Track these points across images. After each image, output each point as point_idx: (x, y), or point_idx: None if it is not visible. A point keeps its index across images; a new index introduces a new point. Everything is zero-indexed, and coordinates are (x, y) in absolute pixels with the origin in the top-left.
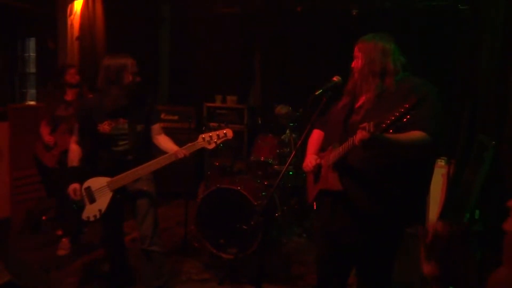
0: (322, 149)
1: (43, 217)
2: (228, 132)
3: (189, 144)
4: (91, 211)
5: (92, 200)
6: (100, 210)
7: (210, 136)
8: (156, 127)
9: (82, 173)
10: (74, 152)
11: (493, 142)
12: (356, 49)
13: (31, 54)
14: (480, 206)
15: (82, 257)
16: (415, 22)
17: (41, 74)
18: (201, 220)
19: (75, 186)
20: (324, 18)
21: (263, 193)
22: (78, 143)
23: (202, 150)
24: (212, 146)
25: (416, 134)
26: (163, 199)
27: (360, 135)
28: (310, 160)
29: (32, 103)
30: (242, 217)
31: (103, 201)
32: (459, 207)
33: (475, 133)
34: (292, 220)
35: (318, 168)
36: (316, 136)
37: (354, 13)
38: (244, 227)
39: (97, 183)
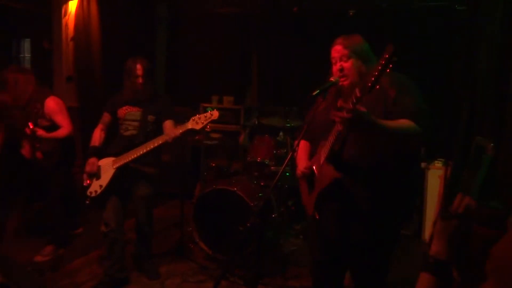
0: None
1: (38, 219)
2: (214, 113)
3: (180, 125)
4: (94, 187)
5: (98, 177)
6: (101, 186)
7: (199, 118)
8: (168, 123)
9: (101, 153)
10: (97, 136)
11: (492, 144)
12: (338, 48)
13: (26, 55)
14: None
15: (77, 259)
16: (412, 22)
17: (36, 75)
18: (197, 221)
19: (92, 160)
20: (320, 19)
21: (260, 194)
22: (103, 130)
23: (198, 149)
24: (199, 126)
25: (403, 122)
26: (159, 200)
27: (340, 113)
28: (301, 163)
29: None
30: (239, 218)
31: (105, 177)
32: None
33: (473, 134)
34: (288, 221)
35: (311, 171)
36: (303, 147)
37: (351, 14)
38: (240, 228)
39: (105, 162)
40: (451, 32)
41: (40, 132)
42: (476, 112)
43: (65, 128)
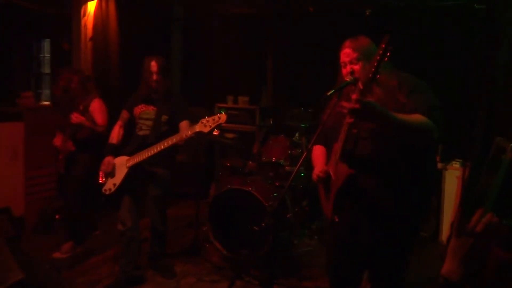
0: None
1: (56, 216)
2: (221, 117)
3: (190, 127)
4: (108, 185)
5: (113, 176)
6: (114, 184)
7: (207, 120)
8: (183, 124)
9: (117, 151)
10: (115, 132)
11: (511, 145)
12: (348, 51)
13: (46, 55)
14: (497, 211)
15: (93, 257)
16: (430, 22)
17: (56, 74)
18: (212, 221)
19: (108, 159)
20: (337, 19)
21: (275, 194)
22: (121, 127)
23: (213, 149)
24: (207, 129)
25: (417, 116)
26: (174, 200)
27: (348, 104)
28: (317, 167)
29: (46, 103)
30: (253, 218)
31: (119, 176)
32: (474, 211)
33: (491, 134)
34: (303, 222)
35: (327, 175)
36: (320, 151)
37: (368, 13)
38: (255, 228)
39: (120, 161)
40: (469, 31)
41: (81, 118)
42: (495, 112)
43: (100, 126)
